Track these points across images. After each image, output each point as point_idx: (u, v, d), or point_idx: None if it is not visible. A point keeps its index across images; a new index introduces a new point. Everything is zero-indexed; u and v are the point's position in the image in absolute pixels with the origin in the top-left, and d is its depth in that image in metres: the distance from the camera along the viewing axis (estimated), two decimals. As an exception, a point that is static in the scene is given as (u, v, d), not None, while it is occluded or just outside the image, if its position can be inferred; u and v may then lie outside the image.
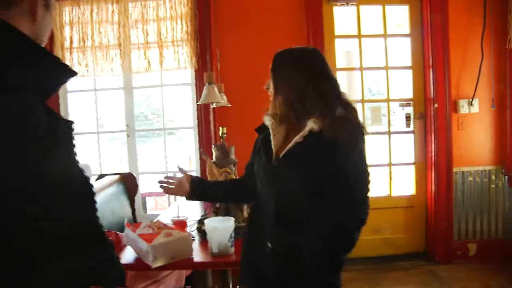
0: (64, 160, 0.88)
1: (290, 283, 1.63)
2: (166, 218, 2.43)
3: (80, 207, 0.89)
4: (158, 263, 1.94)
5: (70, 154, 0.90)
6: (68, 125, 0.92)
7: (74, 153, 0.91)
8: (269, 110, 1.73)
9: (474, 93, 3.84)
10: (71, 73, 0.97)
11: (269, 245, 1.62)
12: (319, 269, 1.60)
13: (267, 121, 1.73)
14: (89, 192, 0.92)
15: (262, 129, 1.78)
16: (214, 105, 3.20)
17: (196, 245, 2.21)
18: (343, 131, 1.54)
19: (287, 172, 1.61)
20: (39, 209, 0.78)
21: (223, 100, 2.81)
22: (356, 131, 1.59)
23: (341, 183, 1.57)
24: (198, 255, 2.09)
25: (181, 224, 2.25)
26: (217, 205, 2.44)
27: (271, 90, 1.72)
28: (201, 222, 2.39)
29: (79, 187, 0.90)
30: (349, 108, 1.63)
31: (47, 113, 0.87)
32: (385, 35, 4.04)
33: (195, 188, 1.98)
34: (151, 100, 18.75)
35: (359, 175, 1.60)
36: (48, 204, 0.80)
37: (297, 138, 1.58)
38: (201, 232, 2.29)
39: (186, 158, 6.94)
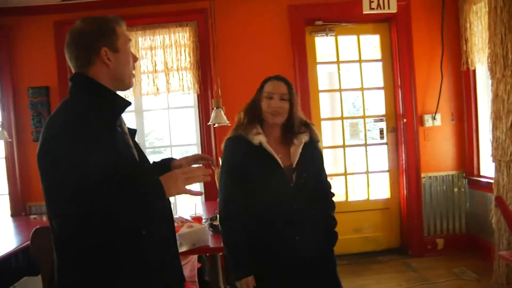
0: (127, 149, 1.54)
1: (316, 263, 2.14)
2: (186, 215, 3.00)
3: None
4: (183, 249, 2.50)
5: (129, 145, 1.56)
6: (134, 131, 1.62)
7: (130, 145, 1.57)
8: (275, 121, 2.13)
9: (437, 108, 4.48)
10: (128, 103, 1.57)
11: (297, 238, 2.09)
12: (334, 242, 2.24)
13: (257, 140, 2.11)
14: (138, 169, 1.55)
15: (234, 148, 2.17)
16: (216, 125, 3.78)
17: (210, 236, 2.77)
18: (319, 141, 2.27)
19: (303, 174, 2.14)
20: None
21: (227, 121, 3.41)
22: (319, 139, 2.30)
23: (324, 172, 2.30)
24: (212, 243, 2.66)
25: (198, 219, 2.83)
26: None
27: (284, 107, 2.12)
28: (212, 219, 2.98)
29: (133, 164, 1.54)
30: (309, 122, 2.28)
31: (118, 124, 1.53)
32: (360, 61, 4.69)
33: None
34: (141, 121, 19.31)
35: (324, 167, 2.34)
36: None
37: (299, 150, 2.15)
38: (213, 227, 2.88)
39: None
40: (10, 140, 4.33)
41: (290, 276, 2.09)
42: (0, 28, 4.40)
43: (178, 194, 1.48)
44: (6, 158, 4.48)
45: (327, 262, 2.21)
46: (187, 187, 1.47)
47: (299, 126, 2.18)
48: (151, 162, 1.79)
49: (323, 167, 2.30)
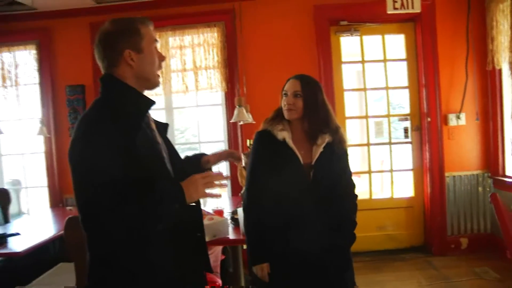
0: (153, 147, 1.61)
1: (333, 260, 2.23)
2: (208, 208, 3.16)
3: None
4: (204, 240, 2.66)
5: (156, 141, 1.63)
6: (166, 125, 1.71)
7: (157, 141, 1.63)
8: (288, 117, 2.25)
9: (461, 108, 4.50)
10: (152, 102, 1.64)
11: (307, 234, 2.18)
12: (349, 243, 2.30)
13: (281, 136, 2.25)
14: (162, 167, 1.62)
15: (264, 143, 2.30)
16: (241, 123, 3.93)
17: (230, 229, 2.91)
18: (344, 142, 2.31)
19: (321, 172, 2.23)
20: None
21: (250, 119, 3.55)
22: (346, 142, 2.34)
23: (348, 173, 2.36)
24: (232, 235, 2.81)
25: (219, 212, 2.98)
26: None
27: (297, 103, 2.24)
28: (233, 213, 3.13)
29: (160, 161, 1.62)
30: (338, 125, 2.34)
31: (146, 121, 1.61)
32: (384, 60, 4.74)
33: None
34: (174, 117, 19.78)
35: (350, 168, 2.38)
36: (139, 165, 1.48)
37: (320, 149, 2.24)
38: (234, 220, 3.02)
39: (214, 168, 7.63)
40: (49, 135, 4.61)
41: (300, 267, 2.19)
42: (41, 30, 4.70)
43: (199, 198, 1.57)
44: (45, 152, 4.77)
45: (340, 261, 2.27)
46: (207, 190, 1.56)
47: (322, 124, 2.25)
48: (183, 156, 1.89)
49: (347, 169, 2.35)
